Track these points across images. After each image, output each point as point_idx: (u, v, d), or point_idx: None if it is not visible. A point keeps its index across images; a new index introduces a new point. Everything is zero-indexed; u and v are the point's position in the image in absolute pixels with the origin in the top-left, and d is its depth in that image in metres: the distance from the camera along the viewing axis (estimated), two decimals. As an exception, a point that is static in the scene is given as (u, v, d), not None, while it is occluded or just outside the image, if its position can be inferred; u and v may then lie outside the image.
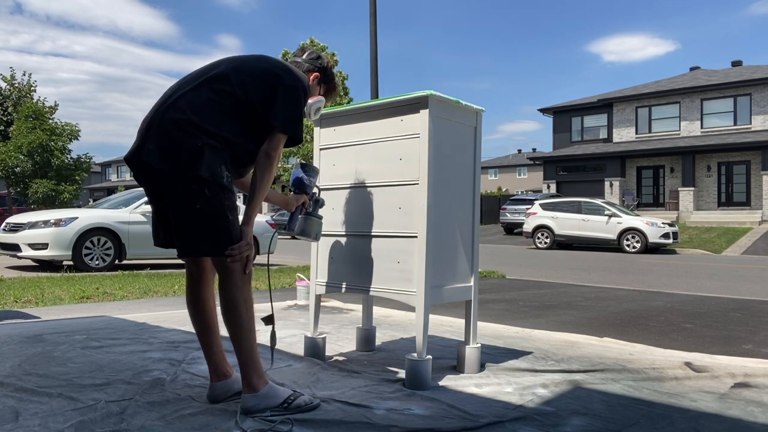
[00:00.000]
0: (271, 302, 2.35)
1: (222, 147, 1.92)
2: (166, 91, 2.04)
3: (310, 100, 2.22)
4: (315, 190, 2.43)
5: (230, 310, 1.95)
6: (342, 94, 21.11)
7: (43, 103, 20.37)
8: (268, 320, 2.21)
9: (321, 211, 2.45)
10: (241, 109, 1.98)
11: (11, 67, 24.55)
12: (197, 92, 1.96)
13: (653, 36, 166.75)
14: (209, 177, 1.87)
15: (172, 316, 3.98)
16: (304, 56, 2.30)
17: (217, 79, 1.99)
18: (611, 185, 25.62)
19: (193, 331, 2.13)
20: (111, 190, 50.02)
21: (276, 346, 3.03)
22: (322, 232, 2.71)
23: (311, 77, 2.27)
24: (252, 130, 2.00)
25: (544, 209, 16.62)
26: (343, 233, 2.65)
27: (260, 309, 4.29)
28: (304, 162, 2.39)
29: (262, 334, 3.31)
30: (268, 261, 2.43)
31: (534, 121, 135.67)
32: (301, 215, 2.36)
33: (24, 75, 21.73)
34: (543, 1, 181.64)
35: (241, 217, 1.99)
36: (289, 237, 22.23)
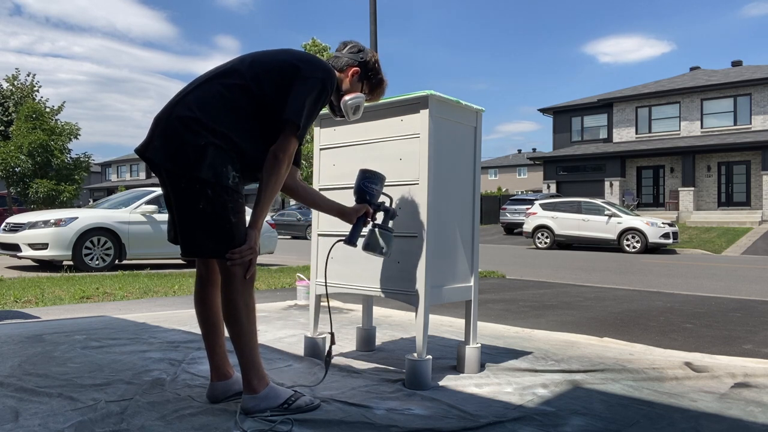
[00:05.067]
0: (330, 321, 2.34)
1: (228, 147, 1.87)
2: (183, 86, 1.99)
3: (346, 97, 2.12)
4: (384, 199, 2.32)
5: (231, 314, 1.94)
6: None
7: (44, 104, 20.34)
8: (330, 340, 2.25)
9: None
10: (253, 106, 1.91)
11: (16, 68, 24.42)
12: (208, 88, 1.91)
13: (648, 37, 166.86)
14: (211, 178, 1.83)
15: (172, 316, 3.98)
16: (345, 50, 2.17)
17: (229, 73, 1.93)
18: (611, 185, 25.62)
19: (193, 331, 2.13)
20: (111, 190, 50.03)
21: (276, 347, 3.04)
22: (326, 231, 2.71)
23: (350, 72, 2.15)
24: (263, 130, 1.93)
25: (544, 209, 16.62)
26: (344, 233, 2.65)
27: (261, 309, 4.30)
28: (366, 169, 2.29)
29: (263, 335, 3.32)
30: (325, 274, 2.42)
31: (531, 122, 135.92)
32: (369, 228, 2.27)
33: (28, 76, 21.71)
34: (539, 3, 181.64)
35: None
36: (289, 237, 22.20)
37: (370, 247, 2.25)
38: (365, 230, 2.29)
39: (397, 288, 2.43)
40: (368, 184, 2.24)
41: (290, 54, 2.00)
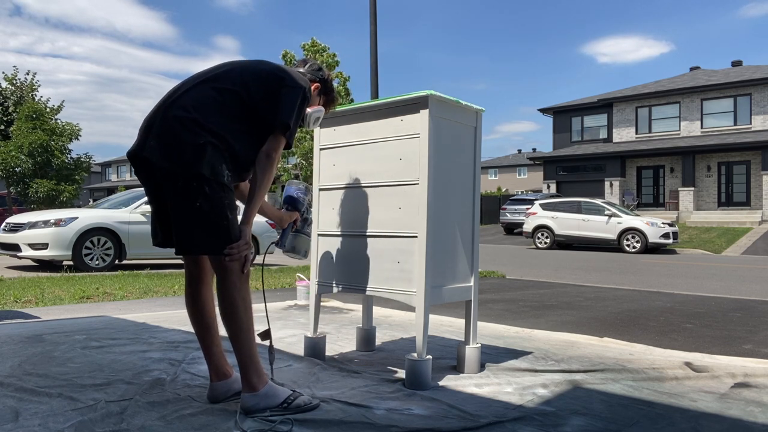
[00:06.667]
0: (267, 317, 2.34)
1: (224, 147, 1.93)
2: (170, 89, 2.06)
3: (309, 109, 2.23)
4: (305, 208, 2.47)
5: (229, 310, 1.96)
6: (343, 94, 21.09)
7: (44, 104, 20.32)
8: (265, 335, 2.20)
9: (312, 225, 2.53)
10: (243, 110, 1.99)
11: (14, 66, 24.30)
12: (201, 91, 1.97)
13: (647, 37, 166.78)
14: (210, 175, 1.88)
15: (172, 316, 3.98)
16: (305, 67, 2.32)
17: (220, 78, 2.02)
18: (611, 185, 25.62)
19: (193, 331, 2.14)
20: (111, 190, 50.04)
21: (276, 346, 3.04)
22: (326, 231, 2.72)
23: (312, 87, 2.28)
24: (253, 132, 2.01)
25: (544, 209, 16.62)
26: (344, 233, 2.65)
27: (258, 309, 4.29)
28: (296, 180, 2.53)
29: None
30: (262, 273, 2.43)
31: (531, 122, 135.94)
32: (291, 232, 2.41)
33: (27, 74, 21.65)
34: (537, 3, 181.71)
35: (240, 217, 2.00)
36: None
37: (296, 249, 2.42)
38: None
39: (397, 288, 2.43)
40: (300, 194, 2.43)
41: (271, 65, 2.13)
